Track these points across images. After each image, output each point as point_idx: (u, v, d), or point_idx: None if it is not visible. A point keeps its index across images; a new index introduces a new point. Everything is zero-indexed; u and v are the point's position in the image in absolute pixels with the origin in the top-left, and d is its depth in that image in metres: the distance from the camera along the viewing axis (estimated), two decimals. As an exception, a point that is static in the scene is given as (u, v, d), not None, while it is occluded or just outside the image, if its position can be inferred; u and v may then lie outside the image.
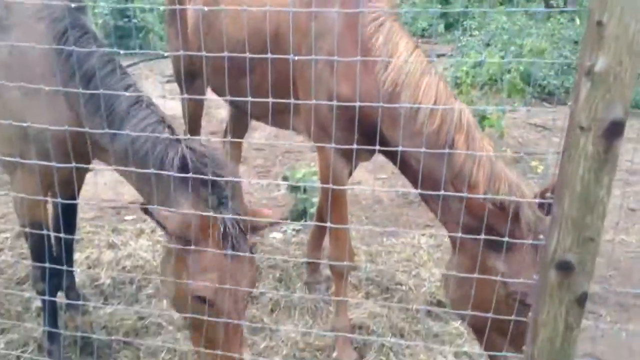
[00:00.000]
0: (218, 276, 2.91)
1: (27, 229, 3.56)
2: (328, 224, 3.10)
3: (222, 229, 2.89)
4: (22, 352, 3.98)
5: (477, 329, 3.33)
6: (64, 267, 3.51)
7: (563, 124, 2.06)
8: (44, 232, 3.23)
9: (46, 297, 3.51)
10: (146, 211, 2.90)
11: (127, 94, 3.08)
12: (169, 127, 3.15)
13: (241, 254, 2.91)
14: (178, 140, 3.07)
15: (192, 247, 2.81)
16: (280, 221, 3.31)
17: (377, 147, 2.74)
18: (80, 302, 4.25)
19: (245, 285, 3.02)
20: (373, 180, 7.25)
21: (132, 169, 2.88)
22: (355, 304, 4.73)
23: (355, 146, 2.71)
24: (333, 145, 2.63)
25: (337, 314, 4.26)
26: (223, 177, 2.97)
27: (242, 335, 3.10)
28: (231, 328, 2.95)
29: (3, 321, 4.31)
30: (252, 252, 3.07)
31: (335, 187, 3.60)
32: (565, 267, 2.17)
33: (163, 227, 2.92)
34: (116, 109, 3.14)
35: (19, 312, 4.42)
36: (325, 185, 3.95)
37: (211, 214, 2.84)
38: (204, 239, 2.89)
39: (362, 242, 5.72)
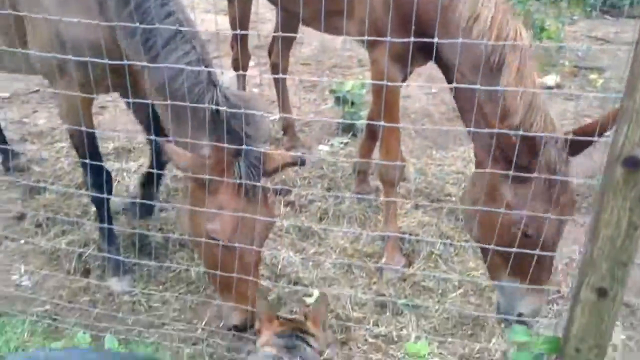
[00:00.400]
0: (233, 218, 2.94)
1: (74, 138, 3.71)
2: (381, 123, 3.03)
3: (238, 173, 2.91)
4: (82, 252, 4.16)
5: (482, 248, 3.38)
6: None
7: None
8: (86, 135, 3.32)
9: (104, 195, 3.61)
10: (163, 146, 2.94)
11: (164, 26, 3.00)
12: (207, 66, 3.09)
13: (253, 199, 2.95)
14: (214, 85, 3.04)
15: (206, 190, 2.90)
16: (298, 162, 3.33)
17: (435, 40, 2.62)
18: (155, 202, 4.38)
19: (261, 229, 3.06)
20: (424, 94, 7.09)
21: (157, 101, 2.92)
22: (404, 213, 4.73)
23: (411, 39, 2.64)
24: (388, 39, 2.53)
25: (387, 221, 4.27)
26: (248, 127, 2.96)
27: (258, 276, 3.16)
28: (247, 269, 3.00)
29: (65, 223, 4.51)
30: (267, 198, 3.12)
31: (389, 86, 3.50)
32: (632, 163, 2.07)
33: (175, 165, 2.96)
34: (155, 38, 3.05)
35: (78, 216, 4.60)
36: (379, 83, 3.86)
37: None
38: (219, 182, 2.92)
39: (412, 156, 5.66)
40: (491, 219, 2.97)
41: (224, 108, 2.88)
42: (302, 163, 3.34)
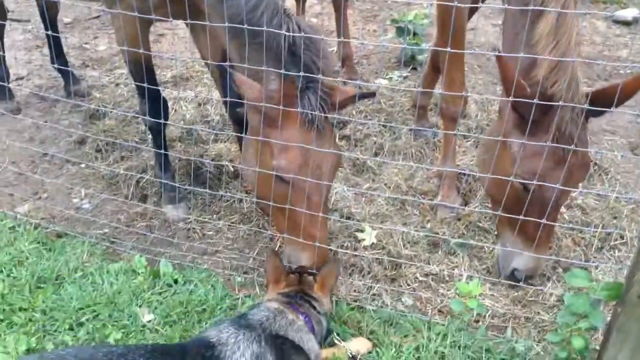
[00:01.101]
0: (300, 155, 2.84)
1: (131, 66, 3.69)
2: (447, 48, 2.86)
3: (308, 105, 2.81)
4: (140, 177, 4.24)
5: (490, 196, 3.37)
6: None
7: None
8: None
9: (160, 121, 3.61)
10: (229, 75, 2.86)
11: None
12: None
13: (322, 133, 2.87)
14: (288, 16, 2.90)
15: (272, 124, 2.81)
16: (369, 95, 3.27)
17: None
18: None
19: (330, 165, 2.96)
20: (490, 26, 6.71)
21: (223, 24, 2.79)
22: (463, 151, 4.57)
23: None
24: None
25: (444, 158, 4.13)
26: (319, 59, 2.85)
27: (326, 212, 3.09)
28: (313, 208, 2.90)
29: (123, 150, 4.60)
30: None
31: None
32: None
33: (243, 96, 2.87)
34: None
35: (136, 142, 4.67)
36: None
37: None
38: (287, 115, 2.81)
39: (474, 91, 5.41)
40: (497, 168, 2.95)
41: (299, 38, 2.79)
42: (372, 95, 3.29)
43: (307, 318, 2.70)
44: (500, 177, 2.87)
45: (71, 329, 3.01)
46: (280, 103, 2.80)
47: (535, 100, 2.57)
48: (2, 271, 3.36)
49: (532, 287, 3.35)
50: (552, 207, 2.88)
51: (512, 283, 3.27)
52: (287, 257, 3.11)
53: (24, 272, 3.34)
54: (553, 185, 2.70)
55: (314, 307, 2.79)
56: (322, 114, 2.86)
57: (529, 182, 2.84)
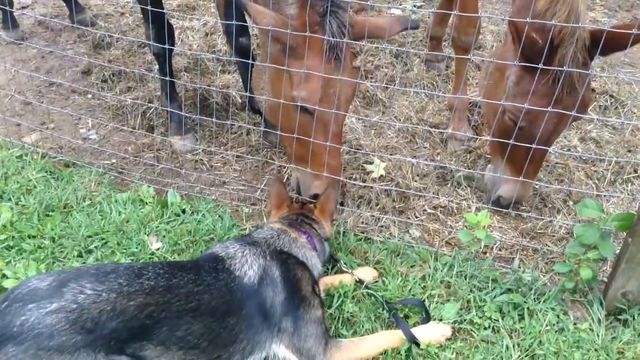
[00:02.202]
0: (320, 84, 2.76)
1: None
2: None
3: (329, 32, 2.69)
4: (147, 108, 4.18)
5: (486, 121, 3.39)
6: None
7: None
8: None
9: (166, 46, 3.52)
10: (243, 6, 2.73)
11: None
12: None
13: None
14: None
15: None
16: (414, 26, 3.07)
17: None
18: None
19: (347, 94, 2.89)
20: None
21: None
22: (476, 83, 4.45)
23: None
24: None
25: (456, 90, 4.03)
26: None
27: (341, 143, 3.09)
28: (332, 137, 2.86)
29: (130, 80, 4.53)
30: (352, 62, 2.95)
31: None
32: None
33: (258, 25, 2.74)
34: None
35: (142, 74, 4.59)
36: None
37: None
38: (305, 45, 2.70)
39: (491, 22, 5.23)
40: (492, 94, 2.95)
41: None
42: (416, 27, 3.10)
43: (309, 237, 2.73)
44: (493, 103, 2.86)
45: (80, 256, 3.04)
46: (302, 31, 2.69)
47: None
48: (10, 199, 3.37)
49: (541, 219, 3.32)
50: (541, 144, 2.84)
51: (521, 212, 3.26)
52: (301, 185, 3.14)
53: (32, 200, 3.35)
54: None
55: (315, 230, 2.82)
56: (343, 41, 2.75)
57: (518, 119, 2.86)
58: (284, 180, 3.44)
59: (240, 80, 4.38)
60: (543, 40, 2.69)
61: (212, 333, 2.19)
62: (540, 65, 2.62)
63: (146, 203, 3.42)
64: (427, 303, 2.78)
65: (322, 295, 2.70)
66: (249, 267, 2.39)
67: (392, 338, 2.54)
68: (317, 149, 2.90)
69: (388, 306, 2.72)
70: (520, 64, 2.77)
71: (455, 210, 3.48)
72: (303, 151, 2.95)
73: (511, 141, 2.72)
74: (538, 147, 2.78)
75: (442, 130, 3.98)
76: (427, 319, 2.65)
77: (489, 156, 3.80)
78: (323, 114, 2.81)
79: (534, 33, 2.67)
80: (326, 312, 2.62)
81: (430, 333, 2.57)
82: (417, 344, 2.52)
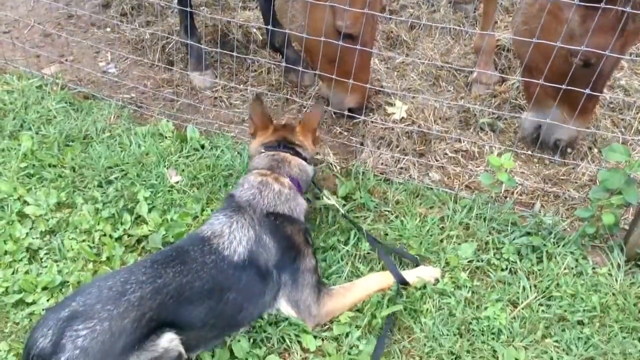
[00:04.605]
0: (361, 12, 2.88)
1: None
2: None
3: None
4: (166, 42, 4.12)
5: (531, 68, 3.07)
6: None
7: None
8: None
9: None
10: None
11: None
12: None
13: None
14: None
15: None
16: None
17: None
18: None
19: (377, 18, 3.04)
20: None
21: None
22: (504, 27, 4.32)
23: None
24: None
25: (484, 33, 3.91)
26: None
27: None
28: (366, 58, 3.12)
29: (149, 14, 4.45)
30: None
31: None
32: None
33: None
34: None
35: (161, 8, 4.50)
36: None
37: None
38: None
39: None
40: (544, 39, 2.70)
41: None
42: None
43: (292, 179, 2.64)
44: (548, 44, 2.67)
45: (100, 186, 3.06)
46: None
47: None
48: (30, 128, 3.38)
49: (564, 165, 3.27)
50: (604, 77, 2.75)
51: (545, 156, 3.19)
52: (334, 102, 3.42)
53: (52, 130, 3.35)
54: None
55: (299, 153, 2.75)
56: None
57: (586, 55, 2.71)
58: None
59: (261, 17, 4.29)
60: None
61: (215, 311, 2.21)
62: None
63: (165, 137, 3.41)
64: (444, 244, 2.77)
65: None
66: (238, 243, 2.33)
67: (382, 280, 2.55)
68: (350, 68, 3.08)
69: (377, 247, 2.70)
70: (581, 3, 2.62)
71: (477, 155, 3.43)
72: (339, 72, 3.12)
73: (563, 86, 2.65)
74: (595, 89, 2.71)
75: (469, 68, 3.86)
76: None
77: (515, 101, 3.72)
78: (363, 36, 3.06)
79: None
80: (318, 260, 2.62)
81: (420, 275, 2.57)
82: (406, 285, 2.53)
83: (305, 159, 2.76)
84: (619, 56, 2.70)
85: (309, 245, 2.53)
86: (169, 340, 2.02)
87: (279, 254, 2.40)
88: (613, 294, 2.53)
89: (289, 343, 2.35)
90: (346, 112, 3.38)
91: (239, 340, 2.31)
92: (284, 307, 2.43)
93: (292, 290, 2.41)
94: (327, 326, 2.42)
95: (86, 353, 1.87)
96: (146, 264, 2.20)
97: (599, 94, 2.83)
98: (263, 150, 2.74)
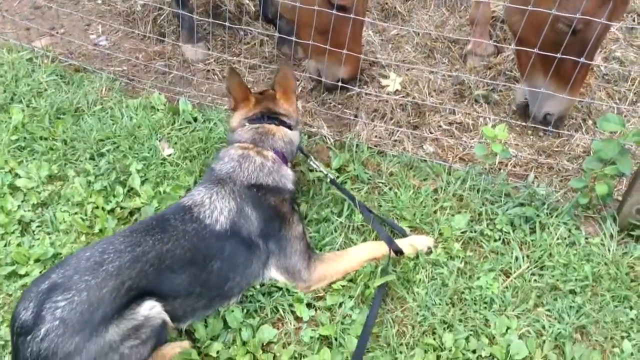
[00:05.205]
0: None
1: None
2: None
3: None
4: (158, 14, 4.07)
5: (522, 40, 3.01)
6: None
7: None
8: None
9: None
10: None
11: None
12: None
13: None
14: None
15: None
16: None
17: None
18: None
19: None
20: None
21: None
22: (500, -2, 4.27)
23: None
24: None
25: (478, 3, 3.86)
26: None
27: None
28: (358, 29, 3.12)
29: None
30: None
31: None
32: None
33: None
34: None
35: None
36: None
37: None
38: None
39: None
40: (537, 10, 2.67)
41: None
42: None
43: (276, 152, 2.58)
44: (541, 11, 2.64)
45: (92, 158, 3.04)
46: None
47: None
48: (21, 101, 3.35)
49: (558, 136, 3.26)
50: (592, 46, 2.71)
51: (540, 127, 3.18)
52: (326, 74, 3.38)
53: (43, 102, 3.32)
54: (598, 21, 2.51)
55: (284, 122, 2.66)
56: None
57: (573, 22, 2.66)
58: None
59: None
60: None
61: (200, 279, 2.20)
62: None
63: (157, 110, 3.38)
64: (438, 215, 2.77)
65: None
66: (219, 213, 2.30)
67: (375, 248, 2.55)
68: (343, 39, 3.08)
69: (362, 209, 2.70)
70: None
71: (471, 127, 3.41)
72: (332, 44, 3.11)
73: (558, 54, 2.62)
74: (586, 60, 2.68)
75: (460, 51, 3.83)
76: None
77: (510, 72, 3.70)
78: (356, 7, 3.06)
79: None
80: (306, 226, 2.61)
81: (413, 244, 2.57)
82: (400, 254, 2.53)
83: (290, 127, 2.68)
84: (607, 22, 2.66)
85: (295, 212, 2.51)
86: (149, 307, 2.02)
87: (262, 225, 2.38)
88: (605, 264, 2.54)
89: (282, 313, 2.36)
90: (339, 84, 3.35)
91: (232, 311, 2.32)
92: (274, 274, 2.43)
93: (281, 258, 2.42)
94: (320, 295, 2.42)
95: (65, 324, 1.87)
96: (125, 233, 2.18)
97: (588, 62, 2.78)
98: (246, 124, 2.64)
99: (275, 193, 2.47)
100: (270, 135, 2.60)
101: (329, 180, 2.83)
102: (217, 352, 2.23)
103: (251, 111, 2.68)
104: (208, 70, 3.84)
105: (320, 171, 2.85)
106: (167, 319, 2.08)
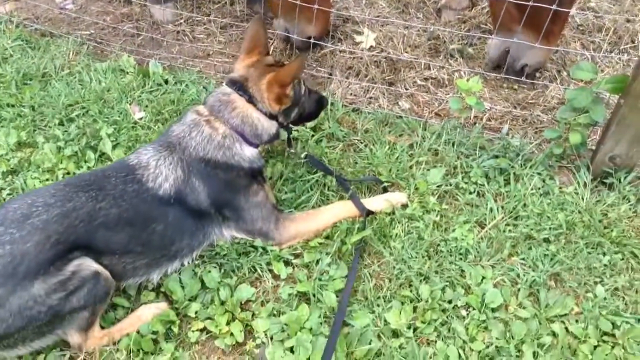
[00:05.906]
0: None
1: None
2: None
3: None
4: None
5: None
6: None
7: None
8: None
9: None
10: None
11: None
12: None
13: None
14: None
15: None
16: None
17: None
18: None
19: None
20: None
21: None
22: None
23: None
24: None
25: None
26: None
27: None
28: None
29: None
30: None
31: None
32: None
33: None
34: None
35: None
36: None
37: None
38: None
39: None
40: None
41: None
42: None
43: (232, 128, 2.34)
44: None
45: (61, 124, 2.98)
46: None
47: None
48: (-15, 67, 3.26)
49: (533, 88, 3.25)
50: None
51: (513, 78, 3.15)
52: (295, 32, 3.29)
53: (8, 68, 3.24)
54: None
55: (254, 104, 2.37)
56: None
57: None
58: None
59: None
60: None
61: (140, 239, 2.15)
62: None
63: (127, 73, 3.31)
64: (414, 170, 2.77)
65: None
66: (164, 179, 2.22)
67: (346, 208, 2.53)
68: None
69: (340, 181, 2.67)
70: None
71: (447, 82, 3.39)
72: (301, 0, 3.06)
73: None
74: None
75: (434, 5, 3.78)
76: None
77: (485, 26, 3.66)
78: None
79: None
80: (269, 190, 2.52)
81: (387, 199, 2.57)
82: (372, 214, 2.52)
83: (266, 114, 2.39)
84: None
85: (255, 181, 2.40)
86: (78, 262, 1.98)
87: (213, 196, 2.30)
88: (579, 212, 2.56)
89: (260, 272, 2.35)
90: (311, 41, 3.29)
91: (209, 271, 2.31)
92: (237, 234, 2.41)
93: (240, 224, 2.39)
94: (297, 253, 2.42)
95: None
96: (59, 186, 2.12)
97: (565, 10, 2.75)
98: (224, 84, 2.45)
99: (227, 170, 2.33)
100: (230, 108, 2.35)
101: (303, 157, 2.73)
102: (196, 312, 2.22)
103: (241, 70, 2.43)
104: (178, 32, 3.76)
105: (294, 153, 2.75)
106: (101, 270, 2.03)
